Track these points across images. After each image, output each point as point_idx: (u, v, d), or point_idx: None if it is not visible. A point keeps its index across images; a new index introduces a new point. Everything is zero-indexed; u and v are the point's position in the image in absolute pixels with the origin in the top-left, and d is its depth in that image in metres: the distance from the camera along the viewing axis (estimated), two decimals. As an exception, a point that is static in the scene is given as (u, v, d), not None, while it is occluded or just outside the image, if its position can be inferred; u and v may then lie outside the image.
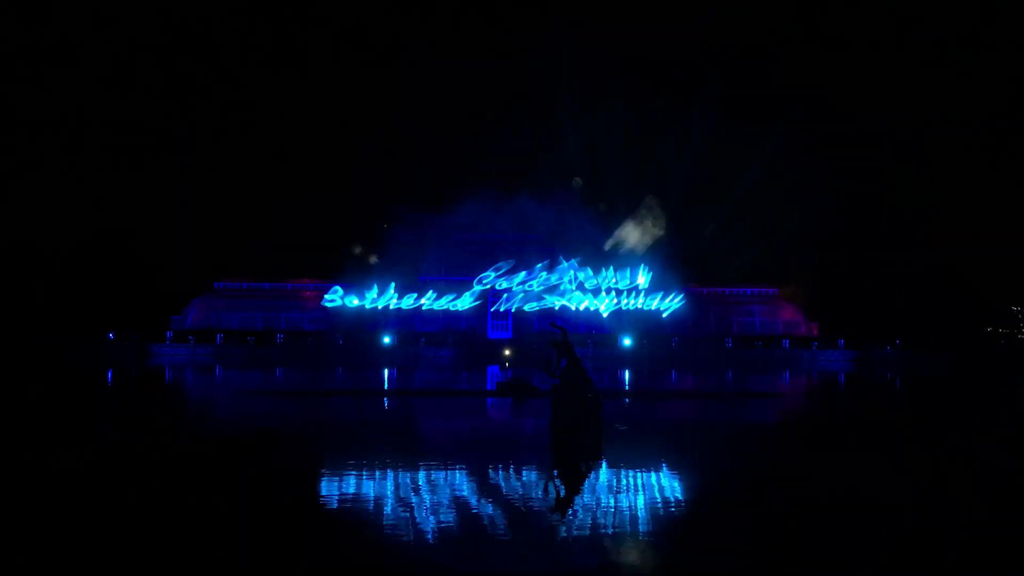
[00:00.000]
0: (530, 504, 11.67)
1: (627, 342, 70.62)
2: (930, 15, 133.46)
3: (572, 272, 79.15)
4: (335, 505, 11.43)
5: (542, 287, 78.34)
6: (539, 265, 78.77)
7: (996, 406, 30.40)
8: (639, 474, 13.98)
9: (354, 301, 77.11)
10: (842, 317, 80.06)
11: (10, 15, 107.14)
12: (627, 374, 48.42)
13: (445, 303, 77.71)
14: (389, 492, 12.36)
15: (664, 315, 77.38)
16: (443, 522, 10.42)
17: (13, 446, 16.83)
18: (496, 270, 78.53)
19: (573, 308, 77.23)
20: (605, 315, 77.32)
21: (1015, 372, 55.04)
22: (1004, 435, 20.86)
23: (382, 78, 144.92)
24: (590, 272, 78.73)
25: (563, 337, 19.58)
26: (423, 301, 77.67)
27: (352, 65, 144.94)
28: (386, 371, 49.48)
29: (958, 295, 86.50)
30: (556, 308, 76.40)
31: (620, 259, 78.85)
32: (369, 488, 12.67)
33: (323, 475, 13.78)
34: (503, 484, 13.26)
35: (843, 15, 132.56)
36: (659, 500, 11.95)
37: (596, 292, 78.49)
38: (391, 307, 77.33)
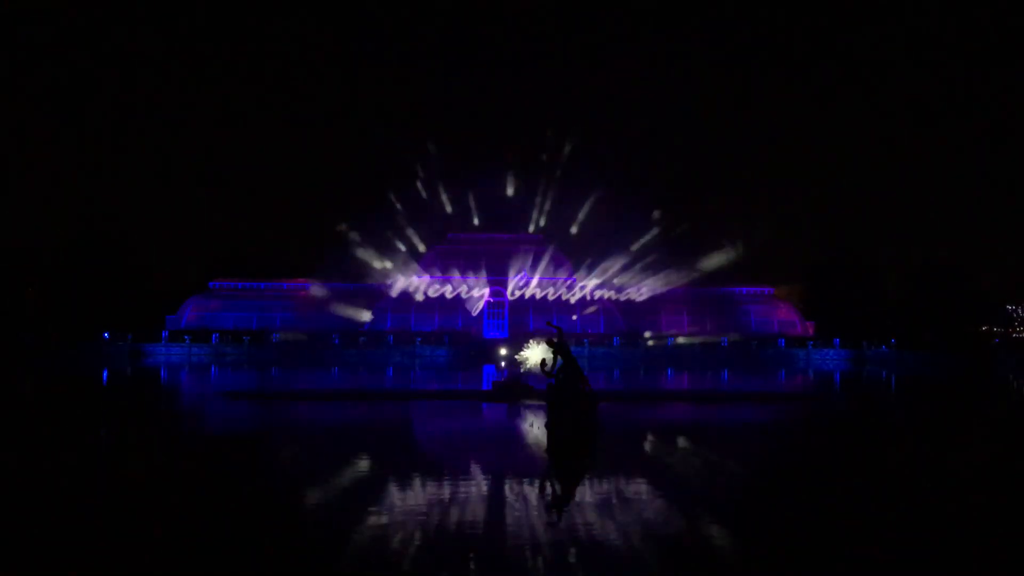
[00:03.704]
0: (527, 506, 11.59)
1: (623, 341, 70.59)
2: (928, 15, 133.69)
3: (568, 271, 79.11)
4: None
5: (538, 286, 78.32)
6: (535, 264, 78.74)
7: (992, 406, 30.45)
8: (634, 474, 13.92)
9: (350, 300, 76.90)
10: (837, 316, 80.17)
11: (8, 15, 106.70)
12: (623, 374, 48.37)
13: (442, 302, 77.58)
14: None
15: (660, 315, 77.40)
16: (432, 524, 10.33)
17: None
18: (492, 269, 78.46)
19: (568, 307, 77.17)
20: (601, 314, 77.31)
21: (1010, 371, 55.14)
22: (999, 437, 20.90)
23: (377, 79, 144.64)
24: (586, 271, 78.75)
25: (559, 337, 19.51)
26: (419, 300, 77.51)
27: (347, 66, 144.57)
28: (382, 371, 49.32)
29: (953, 294, 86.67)
30: (552, 308, 76.33)
31: (616, 258, 78.86)
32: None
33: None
34: (498, 487, 13.15)
35: (844, 18, 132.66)
36: (654, 501, 11.89)
37: (592, 291, 78.49)
38: (387, 306, 77.19)
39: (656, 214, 79.36)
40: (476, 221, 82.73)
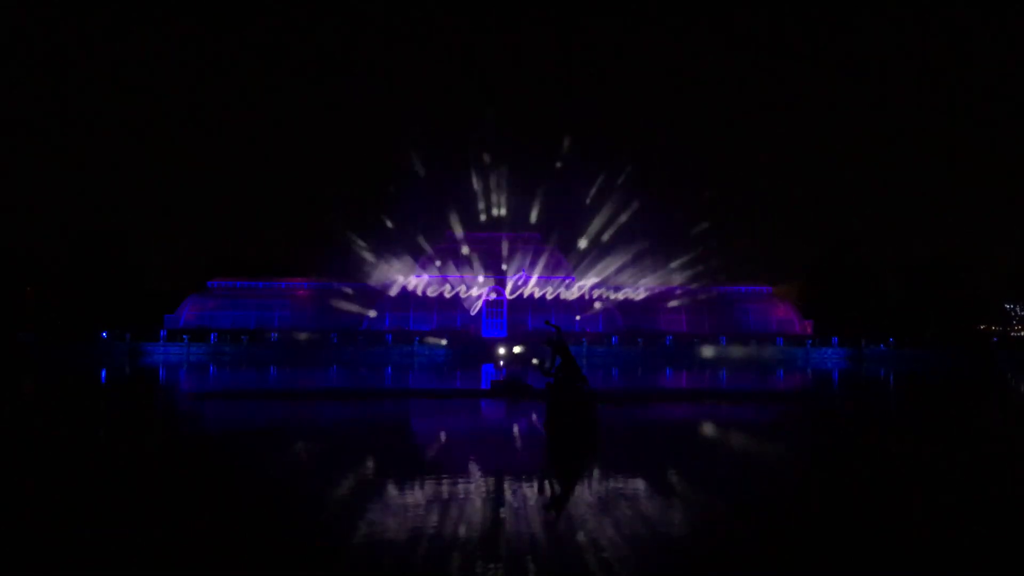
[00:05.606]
0: (525, 505, 11.58)
1: (622, 340, 70.63)
2: (927, 19, 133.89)
3: (567, 270, 79.16)
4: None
5: (537, 285, 78.35)
6: (534, 263, 78.75)
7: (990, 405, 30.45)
8: (632, 473, 13.91)
9: (348, 299, 76.90)
10: (836, 315, 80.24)
11: (9, 16, 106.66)
12: (622, 373, 48.36)
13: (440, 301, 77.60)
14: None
15: (658, 313, 77.48)
16: (427, 524, 10.32)
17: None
18: (491, 268, 78.47)
19: (567, 306, 77.20)
20: (600, 313, 77.36)
21: (1009, 369, 55.19)
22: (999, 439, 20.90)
23: (375, 78, 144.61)
24: (585, 270, 78.80)
25: (558, 335, 19.48)
26: (418, 299, 77.51)
27: (347, 64, 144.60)
28: (380, 370, 49.26)
29: (951, 293, 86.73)
30: (551, 306, 76.39)
31: (616, 258, 78.92)
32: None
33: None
34: (496, 486, 13.14)
35: (843, 17, 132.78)
36: (652, 501, 11.89)
37: (591, 290, 78.55)
38: (386, 305, 77.19)
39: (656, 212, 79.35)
40: (475, 220, 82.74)
